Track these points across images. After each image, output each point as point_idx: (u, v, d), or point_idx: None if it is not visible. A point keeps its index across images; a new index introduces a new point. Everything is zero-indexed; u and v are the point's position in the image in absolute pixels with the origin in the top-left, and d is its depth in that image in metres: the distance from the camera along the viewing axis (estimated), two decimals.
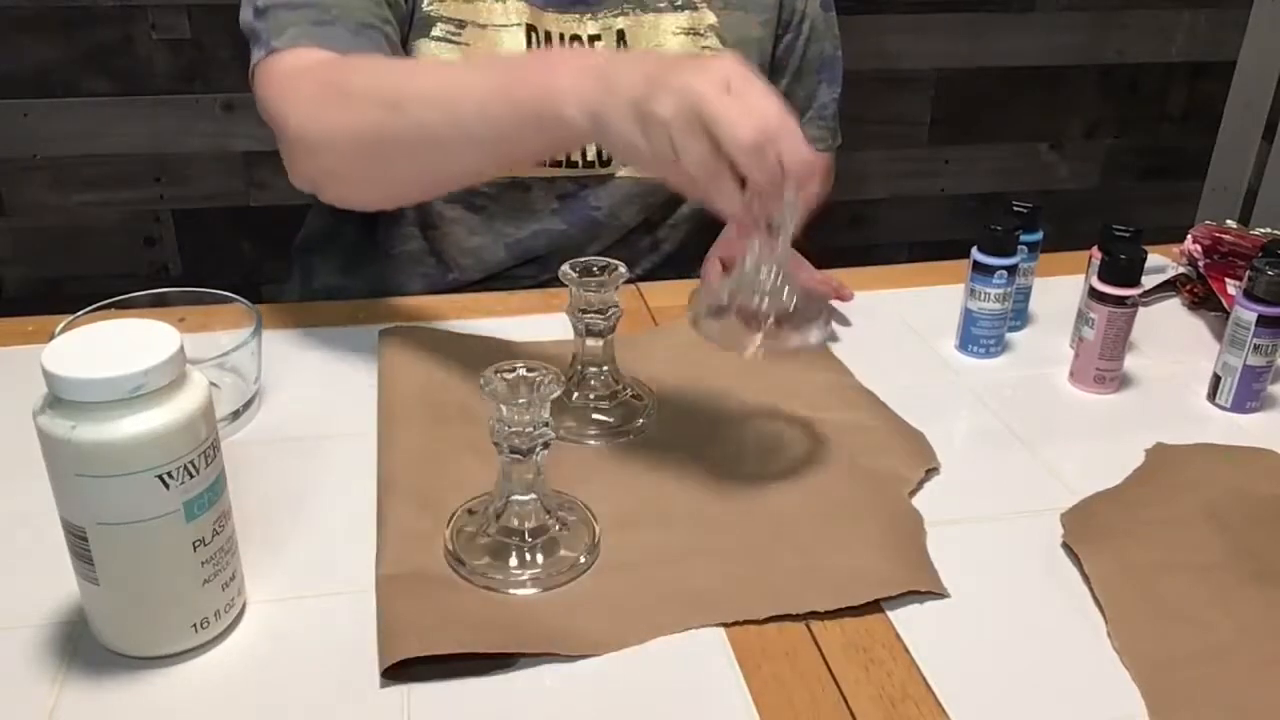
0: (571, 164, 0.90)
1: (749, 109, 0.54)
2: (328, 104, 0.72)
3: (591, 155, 0.91)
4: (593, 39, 0.88)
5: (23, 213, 1.76)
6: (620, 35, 0.89)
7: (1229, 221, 0.94)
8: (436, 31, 0.85)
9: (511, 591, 0.56)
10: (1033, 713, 0.51)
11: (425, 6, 0.85)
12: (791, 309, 0.59)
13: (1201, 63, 2.04)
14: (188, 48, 1.69)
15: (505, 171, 0.87)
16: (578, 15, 0.88)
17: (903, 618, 0.56)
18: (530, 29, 0.86)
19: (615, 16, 0.89)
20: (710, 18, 0.91)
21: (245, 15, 0.80)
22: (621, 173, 0.92)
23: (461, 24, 0.85)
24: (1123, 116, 2.08)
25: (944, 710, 0.50)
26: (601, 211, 0.93)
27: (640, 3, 0.90)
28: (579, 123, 0.61)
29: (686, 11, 0.91)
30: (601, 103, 0.59)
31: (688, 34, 0.91)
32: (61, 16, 1.64)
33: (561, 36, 0.88)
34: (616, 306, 0.68)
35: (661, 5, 0.90)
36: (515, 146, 0.68)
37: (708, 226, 0.97)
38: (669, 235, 0.99)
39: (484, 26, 0.85)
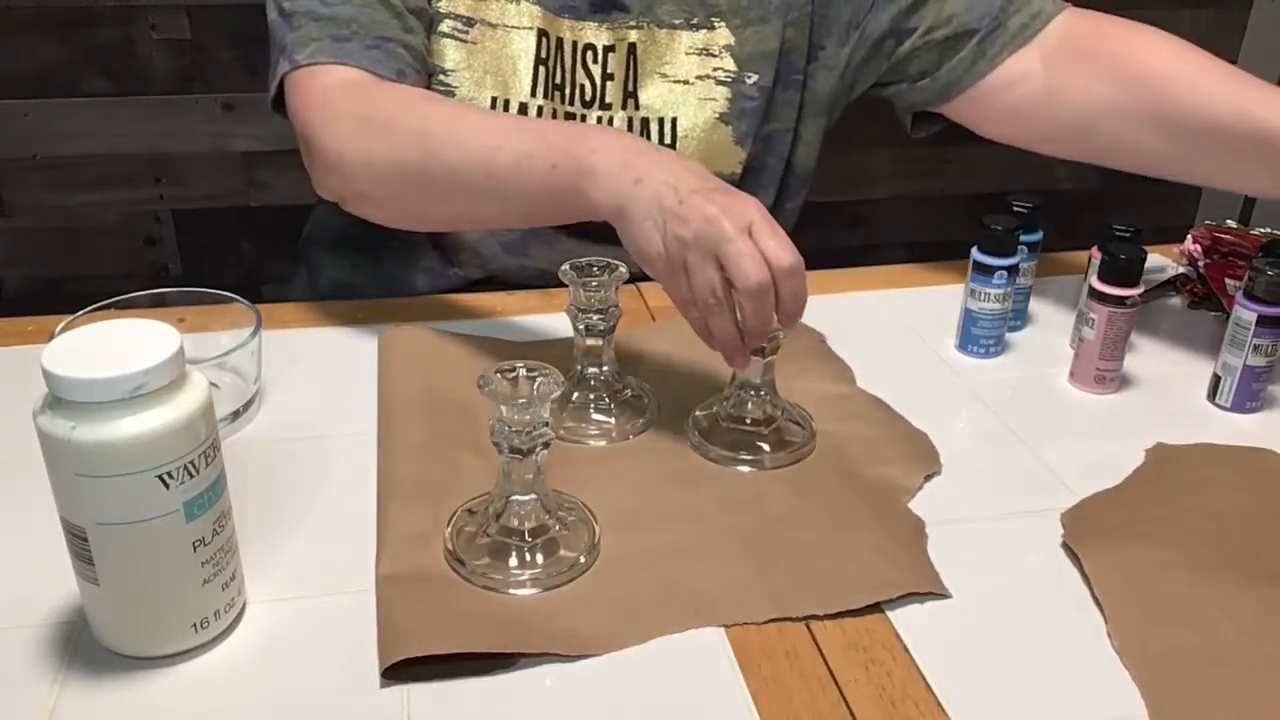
0: None
1: (763, 252, 0.60)
2: (368, 134, 0.74)
3: None
4: (607, 50, 0.87)
5: (23, 213, 1.77)
6: (632, 49, 0.88)
7: (1229, 221, 0.94)
8: (444, 27, 0.84)
9: (511, 591, 0.56)
10: (1033, 713, 0.51)
11: (435, 2, 0.84)
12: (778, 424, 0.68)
13: None
14: (188, 48, 1.69)
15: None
16: (594, 24, 0.87)
17: (903, 618, 0.56)
18: (542, 34, 0.85)
19: (629, 29, 0.87)
20: (725, 38, 0.89)
21: (271, 13, 0.82)
22: None
23: (470, 21, 0.84)
24: None
25: (944, 710, 0.50)
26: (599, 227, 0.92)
27: (655, 18, 0.88)
28: (604, 207, 0.66)
29: (702, 31, 0.89)
30: (629, 198, 0.64)
31: (701, 54, 0.89)
32: (61, 16, 1.64)
33: (575, 45, 0.86)
34: (616, 306, 0.68)
35: (677, 23, 0.88)
36: (539, 210, 0.72)
37: None
38: None
39: (494, 26, 0.85)
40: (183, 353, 0.48)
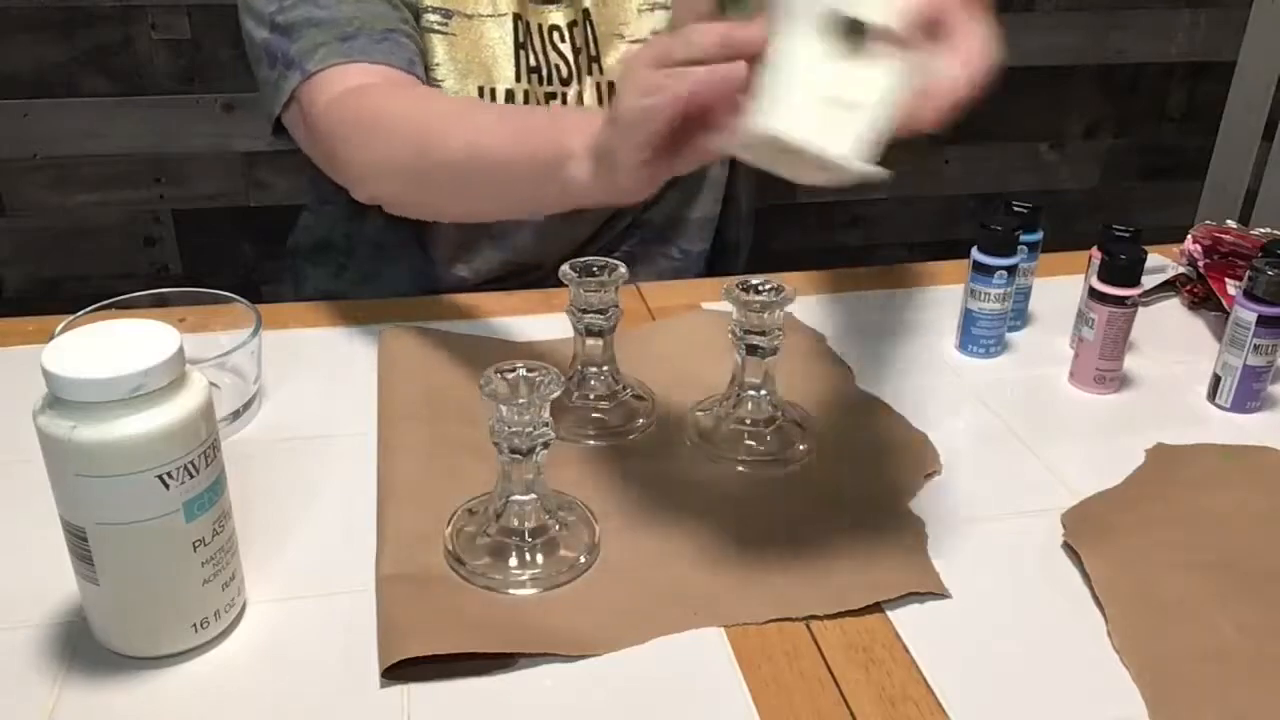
0: None
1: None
2: (367, 139, 0.76)
3: None
4: (570, 26, 0.88)
5: (23, 213, 1.77)
6: (586, 14, 0.88)
7: (1229, 221, 0.94)
8: (425, 21, 0.84)
9: (511, 591, 0.56)
10: (1033, 713, 0.51)
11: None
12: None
13: (1201, 63, 2.05)
14: (188, 48, 1.69)
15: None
16: (551, 6, 0.88)
17: (903, 618, 0.56)
18: (517, 18, 0.86)
19: None
20: None
21: (259, 34, 0.80)
22: None
23: (448, 14, 0.84)
24: (1123, 116, 2.08)
25: (944, 710, 0.50)
26: None
27: None
28: (584, 164, 0.62)
29: None
30: (596, 138, 0.61)
31: (652, 9, 0.89)
32: (61, 16, 1.64)
33: (540, 26, 0.88)
34: (616, 306, 0.68)
35: None
36: (536, 197, 0.72)
37: (692, 199, 0.97)
38: (654, 214, 0.98)
39: (470, 16, 0.85)
40: (183, 353, 0.48)
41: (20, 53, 1.65)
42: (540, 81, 0.88)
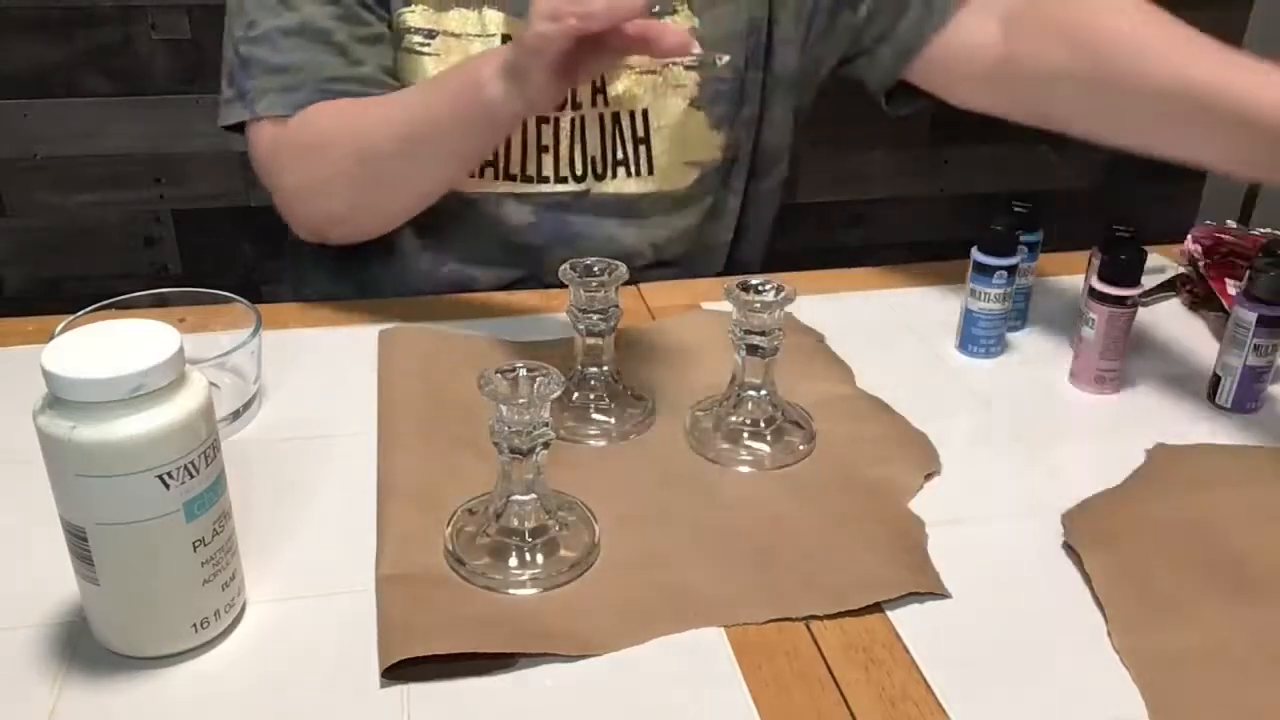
0: (544, 178, 0.88)
1: None
2: (308, 165, 0.82)
3: (565, 171, 0.88)
4: None
5: (23, 213, 1.77)
6: (645, 114, 0.87)
7: (1229, 221, 0.94)
8: (408, 42, 0.84)
9: (511, 591, 0.56)
10: (1033, 713, 0.51)
11: (397, 17, 0.84)
12: None
13: None
14: (188, 48, 1.69)
15: (471, 167, 0.85)
16: None
17: (903, 618, 0.56)
18: (507, 40, 0.84)
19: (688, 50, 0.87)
20: (688, 20, 0.87)
21: (227, 52, 0.85)
22: (597, 189, 0.90)
23: (431, 34, 0.84)
24: None
25: (944, 710, 0.50)
26: (580, 224, 0.91)
27: None
28: (498, 84, 0.71)
29: (667, 16, 0.87)
30: (506, 60, 0.70)
31: None
32: (61, 16, 1.64)
33: None
34: (616, 306, 0.68)
35: None
36: (468, 143, 0.78)
37: (704, 229, 0.96)
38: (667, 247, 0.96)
39: (457, 35, 0.84)
40: (183, 353, 0.48)
41: (20, 53, 1.65)
42: None
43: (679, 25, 0.87)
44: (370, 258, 0.94)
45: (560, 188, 0.89)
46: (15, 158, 1.72)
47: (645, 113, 0.88)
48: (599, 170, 0.89)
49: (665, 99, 0.88)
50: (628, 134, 0.88)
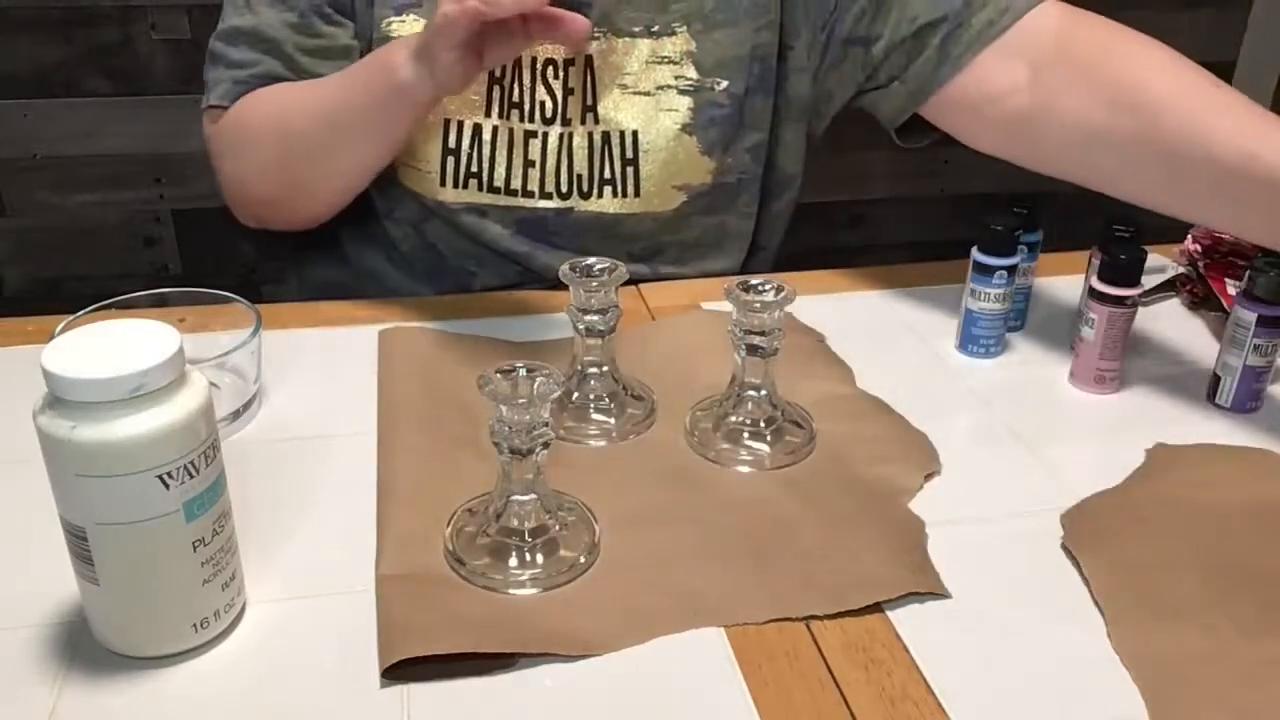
0: (528, 193, 0.87)
1: None
2: (240, 148, 0.86)
3: (550, 187, 0.87)
4: (567, 64, 0.85)
5: (23, 213, 1.77)
6: (589, 61, 0.85)
7: None
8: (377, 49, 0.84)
9: (511, 591, 0.56)
10: (1033, 713, 0.51)
11: (384, 27, 0.84)
12: None
13: (1201, 63, 2.05)
14: (188, 48, 1.69)
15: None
16: None
17: (903, 618, 0.56)
18: None
19: (587, 40, 0.84)
20: (686, 43, 0.85)
21: (210, 42, 0.88)
22: (581, 208, 0.88)
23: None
24: None
25: (944, 710, 0.50)
26: (560, 240, 0.90)
27: (614, 26, 0.84)
28: (409, 67, 0.73)
29: (663, 38, 0.85)
30: (416, 43, 0.73)
31: (661, 62, 0.85)
32: (61, 16, 1.64)
33: (534, 60, 0.84)
34: (616, 306, 0.68)
35: (636, 30, 0.85)
36: (385, 126, 0.79)
37: (713, 253, 0.94)
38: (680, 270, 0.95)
39: None
40: (183, 353, 0.48)
41: (20, 53, 1.65)
42: (521, 118, 0.85)
43: (676, 47, 0.86)
44: (365, 250, 0.94)
45: (544, 203, 0.87)
46: (15, 158, 1.72)
47: (635, 134, 0.86)
48: (584, 189, 0.87)
49: (656, 122, 0.86)
50: (616, 154, 0.87)
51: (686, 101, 0.86)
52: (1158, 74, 0.75)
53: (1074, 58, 0.78)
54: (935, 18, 0.83)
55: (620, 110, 0.86)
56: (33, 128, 1.70)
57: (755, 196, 0.94)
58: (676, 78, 0.86)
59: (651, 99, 0.86)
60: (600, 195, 0.88)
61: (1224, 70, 2.04)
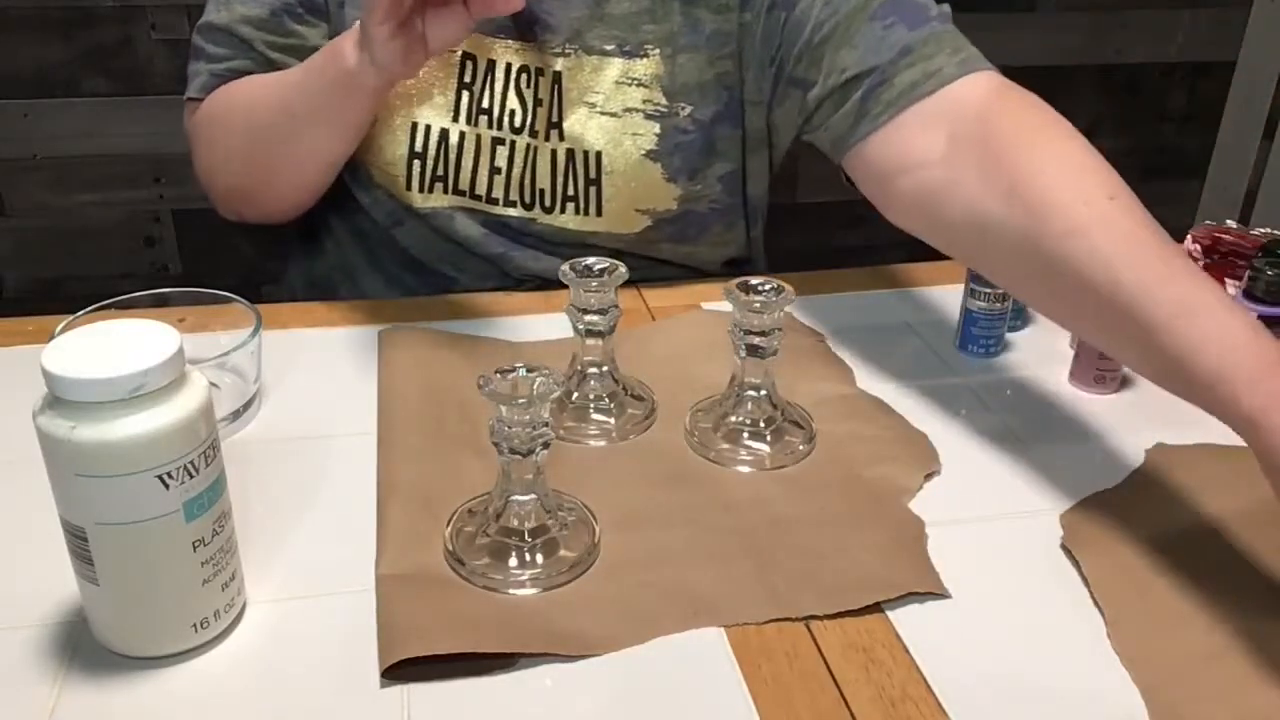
0: (493, 199, 0.87)
1: None
2: (209, 140, 0.88)
3: (515, 195, 0.86)
4: (537, 72, 0.84)
5: (23, 213, 1.77)
6: (557, 78, 0.83)
7: (1229, 221, 0.94)
8: None
9: (511, 591, 0.56)
10: (1033, 713, 0.51)
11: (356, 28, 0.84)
12: None
13: (1201, 63, 2.05)
14: (187, 48, 1.69)
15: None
16: (523, 45, 0.84)
17: (903, 618, 0.56)
18: (467, 57, 0.83)
19: (555, 55, 0.83)
20: (655, 66, 0.83)
21: (193, 37, 0.89)
22: (545, 220, 0.87)
23: None
24: (1123, 116, 2.08)
25: (944, 710, 0.50)
26: (531, 241, 0.89)
27: (584, 44, 0.83)
28: (354, 52, 0.74)
29: (635, 59, 0.83)
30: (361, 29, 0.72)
31: (631, 84, 0.84)
32: (61, 16, 1.64)
33: (509, 67, 0.84)
34: (616, 306, 0.68)
35: (609, 48, 0.83)
36: (336, 111, 0.79)
37: (719, 245, 0.94)
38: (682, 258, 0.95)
39: None
40: (183, 353, 0.48)
41: (20, 53, 1.65)
42: (490, 124, 0.84)
43: (647, 70, 0.84)
44: (354, 251, 0.94)
45: (510, 211, 0.87)
46: (15, 158, 1.72)
47: (599, 155, 0.85)
48: (546, 203, 0.86)
49: (620, 146, 0.84)
50: (580, 172, 0.85)
51: (653, 127, 0.84)
52: (1064, 173, 0.66)
53: (989, 137, 0.70)
54: (863, 70, 0.76)
55: (587, 129, 0.84)
56: (33, 128, 1.70)
57: (730, 226, 0.93)
58: (644, 101, 0.84)
59: (618, 121, 0.84)
60: (563, 211, 0.87)
61: (1224, 70, 2.04)
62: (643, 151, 0.85)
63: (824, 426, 0.70)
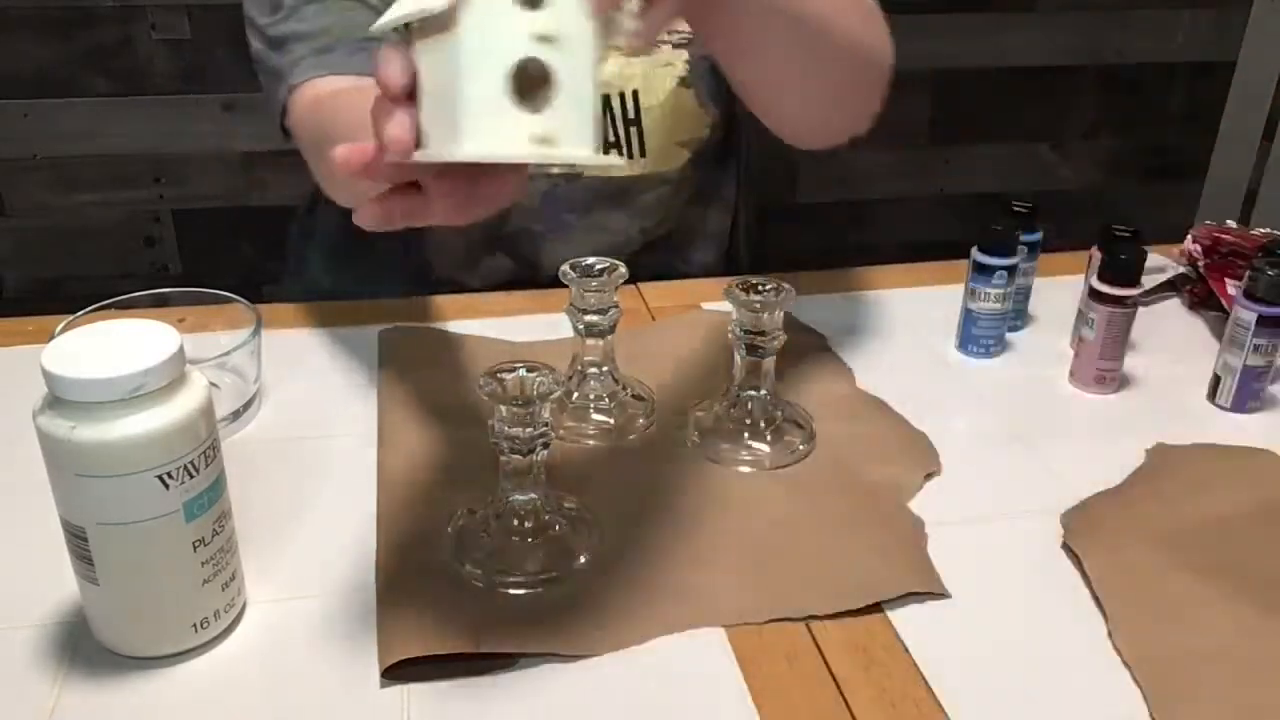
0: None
1: None
2: (305, 150, 0.78)
3: None
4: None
5: (23, 213, 1.77)
6: (635, 95, 0.86)
7: (1229, 221, 0.94)
8: None
9: (511, 591, 0.56)
10: (1033, 713, 0.51)
11: None
12: None
13: (1201, 63, 2.05)
14: (188, 48, 1.69)
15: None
16: None
17: (903, 618, 0.56)
18: None
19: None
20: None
21: (257, 46, 0.82)
22: (590, 172, 0.89)
23: None
24: (1123, 116, 2.08)
25: (944, 710, 0.50)
26: (571, 207, 0.90)
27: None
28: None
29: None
30: None
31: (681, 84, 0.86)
32: (61, 16, 1.64)
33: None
34: (616, 306, 0.68)
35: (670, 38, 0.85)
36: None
37: (705, 213, 0.96)
38: (671, 229, 0.96)
39: None
40: (183, 353, 0.48)
41: (20, 53, 1.65)
42: None
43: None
44: (371, 255, 0.94)
45: (553, 169, 0.87)
46: (15, 158, 1.72)
47: (635, 93, 0.87)
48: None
49: (654, 79, 0.87)
50: (619, 116, 0.87)
51: (681, 55, 0.87)
52: None
53: None
54: None
55: (617, 71, 0.86)
56: (33, 128, 1.70)
57: (740, 154, 0.95)
58: (670, 31, 0.86)
59: (649, 57, 0.86)
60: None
61: (1224, 70, 2.04)
62: (677, 79, 0.87)
63: (824, 426, 0.70)
